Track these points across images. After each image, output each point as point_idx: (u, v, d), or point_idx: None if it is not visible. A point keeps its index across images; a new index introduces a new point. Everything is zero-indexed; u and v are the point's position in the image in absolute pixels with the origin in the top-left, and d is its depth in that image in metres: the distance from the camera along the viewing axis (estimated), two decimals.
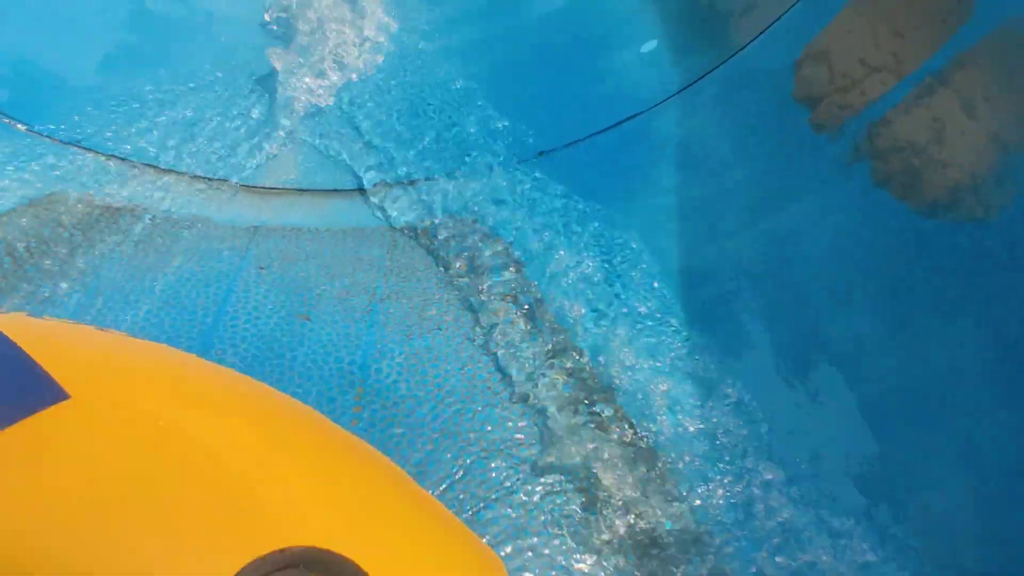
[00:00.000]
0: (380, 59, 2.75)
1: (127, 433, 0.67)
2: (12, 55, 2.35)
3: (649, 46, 2.46)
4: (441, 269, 2.15)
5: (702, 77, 2.23)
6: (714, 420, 1.78)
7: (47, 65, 2.41)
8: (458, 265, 2.16)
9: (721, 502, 1.66)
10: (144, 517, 0.60)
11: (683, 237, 2.09)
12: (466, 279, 2.12)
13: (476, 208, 2.34)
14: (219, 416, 0.80)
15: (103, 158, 2.33)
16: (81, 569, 0.54)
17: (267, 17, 2.74)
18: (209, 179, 2.39)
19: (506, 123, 2.49)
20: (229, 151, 2.48)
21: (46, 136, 2.29)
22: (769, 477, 1.65)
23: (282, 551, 0.61)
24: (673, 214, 2.13)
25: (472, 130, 2.52)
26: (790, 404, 1.71)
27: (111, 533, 0.58)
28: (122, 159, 2.34)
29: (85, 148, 2.32)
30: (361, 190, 2.42)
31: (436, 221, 2.29)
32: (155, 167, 2.36)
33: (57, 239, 2.07)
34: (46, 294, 1.92)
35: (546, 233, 2.20)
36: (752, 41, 2.19)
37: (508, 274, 2.12)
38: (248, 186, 2.42)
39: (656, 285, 2.04)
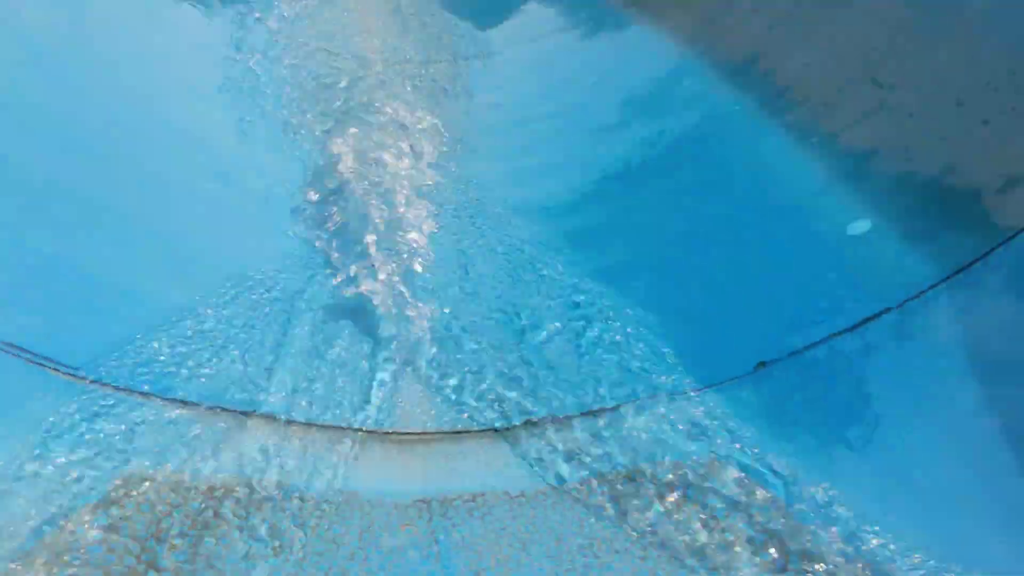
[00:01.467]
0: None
1: None
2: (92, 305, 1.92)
3: (860, 227, 2.03)
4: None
5: (976, 261, 1.77)
6: None
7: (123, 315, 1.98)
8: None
9: None
10: None
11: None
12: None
13: (666, 449, 1.80)
14: None
15: (201, 410, 1.82)
16: None
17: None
18: (338, 427, 1.88)
19: (705, 324, 2.03)
20: (346, 394, 1.98)
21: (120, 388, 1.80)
22: None
23: None
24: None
25: (651, 340, 2.03)
26: None
27: None
28: (234, 412, 1.84)
29: (172, 400, 1.82)
30: (534, 424, 1.92)
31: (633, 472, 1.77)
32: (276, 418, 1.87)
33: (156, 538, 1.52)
34: None
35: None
36: None
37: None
38: (385, 432, 1.91)
39: None
